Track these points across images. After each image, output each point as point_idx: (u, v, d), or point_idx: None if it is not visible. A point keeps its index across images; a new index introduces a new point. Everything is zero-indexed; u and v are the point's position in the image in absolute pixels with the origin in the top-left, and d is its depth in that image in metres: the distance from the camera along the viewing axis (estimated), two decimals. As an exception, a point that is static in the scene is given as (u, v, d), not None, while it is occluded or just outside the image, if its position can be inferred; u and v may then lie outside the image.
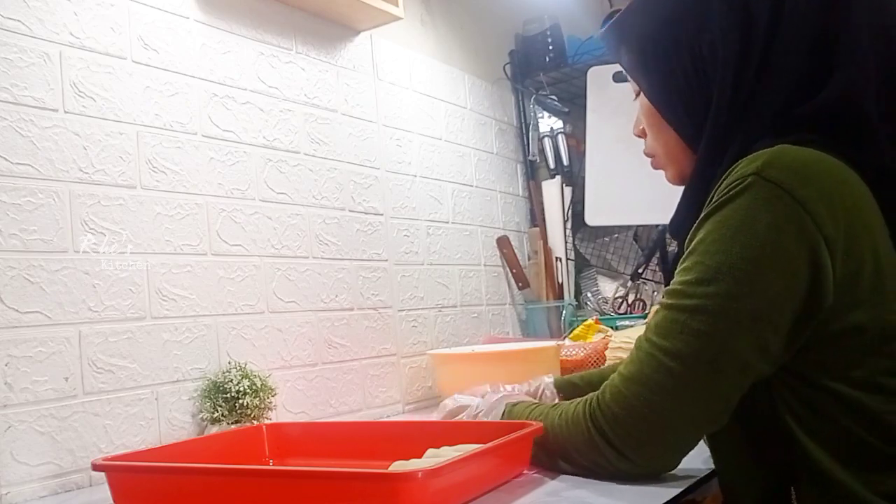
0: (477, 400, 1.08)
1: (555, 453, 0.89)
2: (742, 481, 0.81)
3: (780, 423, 0.74)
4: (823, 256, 0.70)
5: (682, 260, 0.77)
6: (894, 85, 0.77)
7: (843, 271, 0.70)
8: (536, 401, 1.03)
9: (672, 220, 0.89)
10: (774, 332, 0.71)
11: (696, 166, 0.83)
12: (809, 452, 0.73)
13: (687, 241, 0.77)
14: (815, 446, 0.72)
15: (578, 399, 0.87)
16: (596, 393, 0.83)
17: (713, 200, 0.75)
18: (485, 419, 1.03)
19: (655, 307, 0.84)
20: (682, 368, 0.74)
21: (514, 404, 1.00)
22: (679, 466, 0.86)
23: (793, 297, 0.70)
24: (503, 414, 1.01)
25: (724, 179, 0.75)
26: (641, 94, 0.90)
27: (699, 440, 0.80)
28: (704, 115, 0.81)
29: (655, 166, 0.94)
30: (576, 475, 0.87)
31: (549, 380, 1.16)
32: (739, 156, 0.76)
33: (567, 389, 1.18)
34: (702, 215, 0.76)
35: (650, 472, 0.83)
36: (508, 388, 1.13)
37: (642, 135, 0.94)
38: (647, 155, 0.94)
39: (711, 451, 0.85)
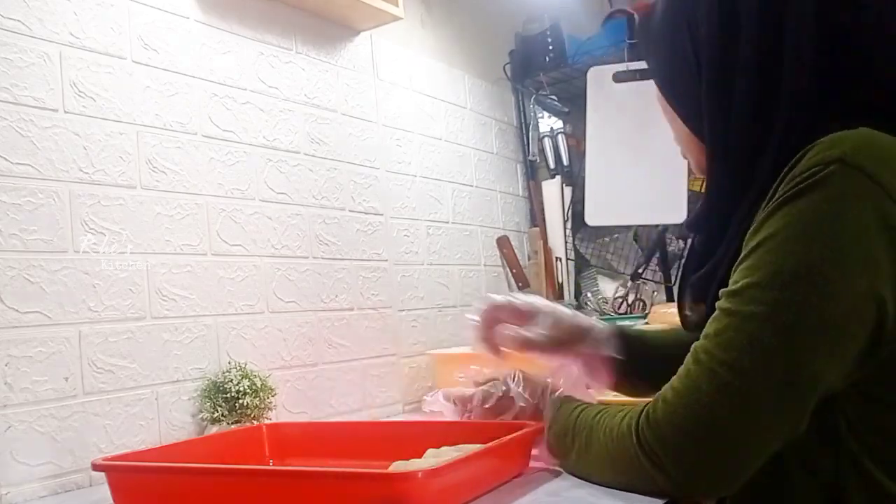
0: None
1: (592, 470, 0.81)
2: (777, 494, 0.73)
3: (833, 436, 0.69)
4: None
5: (743, 256, 0.68)
6: None
7: None
8: (582, 401, 0.90)
9: (695, 214, 0.82)
10: (853, 345, 0.63)
11: (718, 162, 0.76)
12: (862, 466, 0.68)
13: (750, 233, 0.68)
14: (869, 461, 0.68)
15: (625, 410, 0.77)
16: (646, 406, 0.73)
17: (784, 190, 0.65)
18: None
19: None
20: (746, 387, 0.64)
21: (561, 403, 0.90)
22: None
23: (875, 308, 0.62)
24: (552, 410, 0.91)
25: (797, 165, 0.66)
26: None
27: (760, 463, 0.68)
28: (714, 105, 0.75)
29: (696, 169, 0.88)
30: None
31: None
32: (785, 143, 0.69)
33: (632, 346, 0.98)
34: (771, 206, 0.66)
35: (702, 498, 0.72)
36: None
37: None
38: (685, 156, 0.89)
39: None
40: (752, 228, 0.68)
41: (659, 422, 0.70)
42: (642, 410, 0.73)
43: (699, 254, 0.82)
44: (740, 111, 0.73)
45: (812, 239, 0.63)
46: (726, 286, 0.70)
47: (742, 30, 0.73)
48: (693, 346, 0.71)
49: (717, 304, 0.70)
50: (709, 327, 0.69)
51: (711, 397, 0.66)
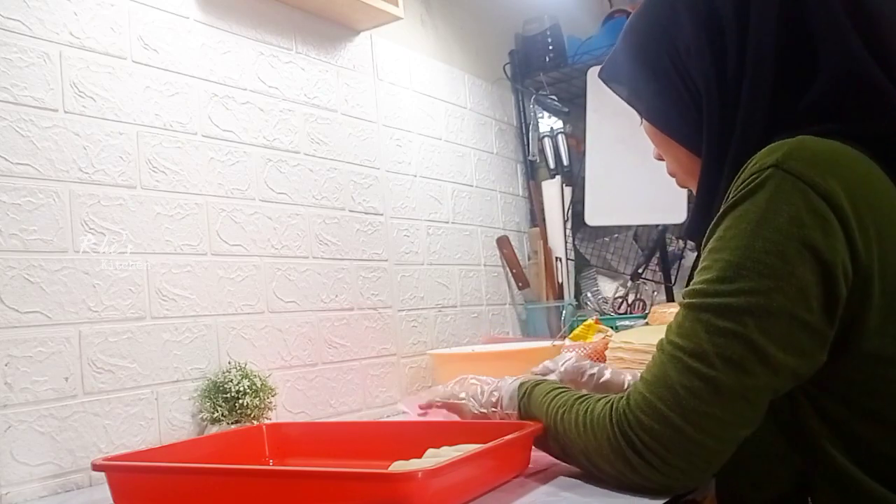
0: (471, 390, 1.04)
1: (575, 454, 0.85)
2: (749, 489, 0.78)
3: (801, 431, 0.72)
4: (844, 255, 0.67)
5: (701, 259, 0.74)
6: (884, 41, 0.74)
7: (868, 274, 0.67)
8: (559, 385, 0.95)
9: (686, 224, 0.89)
10: (806, 331, 0.68)
11: (701, 169, 0.83)
12: (831, 459, 0.71)
13: (705, 239, 0.75)
14: (838, 453, 0.70)
15: (601, 398, 0.82)
16: (620, 396, 0.79)
17: (730, 196, 0.72)
18: (502, 401, 0.98)
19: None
20: (709, 370, 0.69)
21: (536, 384, 0.95)
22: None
23: (824, 293, 0.67)
24: (521, 393, 0.95)
25: (741, 173, 0.72)
26: (644, 120, 0.92)
27: (733, 445, 0.73)
28: (701, 121, 0.82)
29: (680, 184, 0.94)
30: (597, 477, 0.83)
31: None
32: (742, 152, 0.75)
33: None
34: (720, 212, 0.73)
35: (681, 484, 0.76)
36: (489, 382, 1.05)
37: (660, 158, 0.95)
38: (670, 175, 0.95)
39: None
40: (706, 235, 0.75)
41: (633, 409, 0.75)
42: (619, 398, 0.78)
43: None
44: (742, 124, 0.79)
45: (754, 235, 0.68)
46: None
47: (727, 51, 0.79)
48: (658, 340, 0.76)
49: (679, 302, 0.76)
50: (671, 324, 0.75)
51: (678, 381, 0.71)
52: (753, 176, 0.70)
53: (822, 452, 0.71)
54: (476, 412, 1.01)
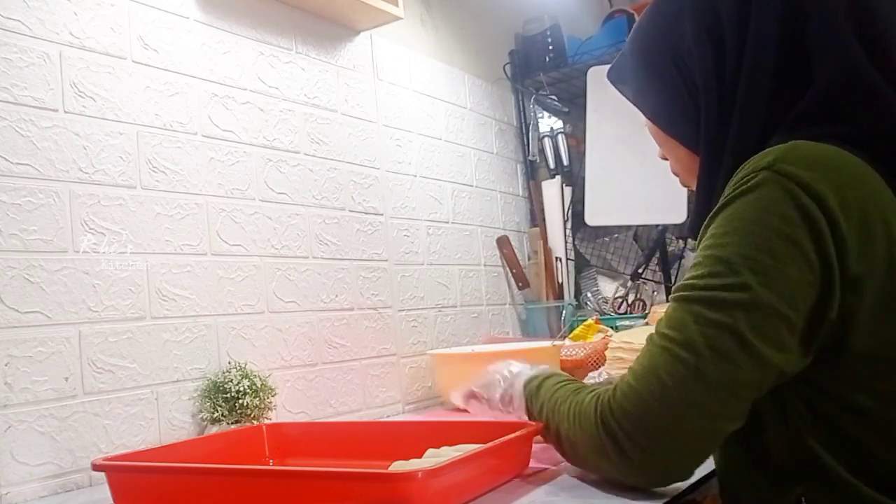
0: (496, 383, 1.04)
1: (567, 447, 0.86)
2: (746, 486, 0.79)
3: (792, 431, 0.73)
4: (832, 257, 0.67)
5: (695, 256, 0.76)
6: (885, 48, 0.75)
7: (857, 275, 0.68)
8: (564, 377, 0.95)
9: (688, 223, 0.90)
10: (790, 329, 0.69)
11: (699, 169, 0.84)
12: (819, 458, 0.71)
13: (699, 237, 0.77)
14: (825, 452, 0.71)
15: (593, 389, 0.84)
16: (608, 388, 0.80)
17: (725, 195, 0.73)
18: (507, 396, 0.99)
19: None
20: (697, 360, 0.70)
21: (542, 382, 0.95)
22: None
23: (807, 294, 0.68)
24: (528, 393, 0.96)
25: (736, 174, 0.74)
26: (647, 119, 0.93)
27: (714, 442, 0.75)
28: (700, 122, 0.83)
29: (683, 183, 0.96)
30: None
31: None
32: (738, 153, 0.76)
33: None
34: (714, 210, 0.74)
35: (659, 480, 0.79)
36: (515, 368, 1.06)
37: (665, 158, 0.96)
38: (673, 174, 0.96)
39: (715, 454, 0.82)
40: (700, 233, 0.76)
41: (619, 399, 0.76)
42: (607, 390, 0.79)
43: None
44: (738, 123, 0.81)
45: (746, 232, 0.70)
46: None
47: (727, 53, 0.80)
48: (648, 335, 0.77)
49: (670, 298, 0.77)
50: (661, 318, 0.76)
51: (666, 370, 0.72)
52: (748, 177, 0.71)
53: (811, 454, 0.71)
54: (497, 410, 1.01)
